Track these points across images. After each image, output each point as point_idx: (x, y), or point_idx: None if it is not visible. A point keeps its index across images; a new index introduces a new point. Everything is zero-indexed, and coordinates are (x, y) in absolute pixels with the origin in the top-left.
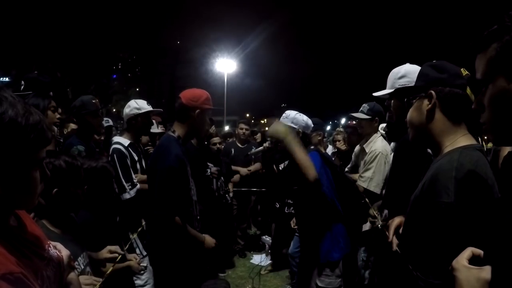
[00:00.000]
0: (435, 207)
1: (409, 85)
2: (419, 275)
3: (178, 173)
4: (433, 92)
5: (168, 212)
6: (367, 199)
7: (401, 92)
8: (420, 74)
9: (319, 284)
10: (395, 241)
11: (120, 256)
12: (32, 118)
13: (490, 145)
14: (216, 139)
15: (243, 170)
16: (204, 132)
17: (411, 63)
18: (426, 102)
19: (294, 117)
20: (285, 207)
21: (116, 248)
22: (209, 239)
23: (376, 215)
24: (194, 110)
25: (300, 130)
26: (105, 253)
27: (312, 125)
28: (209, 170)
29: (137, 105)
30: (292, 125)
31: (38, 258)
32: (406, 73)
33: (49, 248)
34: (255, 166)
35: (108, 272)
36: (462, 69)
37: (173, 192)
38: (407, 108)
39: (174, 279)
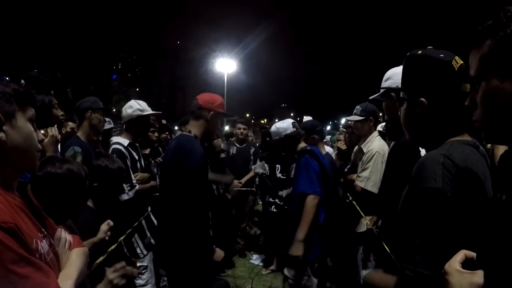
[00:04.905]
0: (422, 193)
1: (393, 87)
2: (405, 265)
3: (205, 171)
4: (424, 100)
5: (204, 208)
6: (354, 202)
7: (387, 93)
8: (405, 71)
9: (286, 272)
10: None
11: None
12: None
13: (490, 145)
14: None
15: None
16: (215, 134)
17: None
18: (417, 108)
19: (276, 131)
20: (268, 206)
21: (108, 222)
22: (219, 252)
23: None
24: (209, 111)
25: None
26: (100, 234)
27: (290, 125)
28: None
29: (140, 107)
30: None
31: (36, 229)
32: (391, 75)
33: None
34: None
35: (98, 261)
36: (455, 58)
37: (203, 190)
38: (399, 108)
39: (189, 279)
